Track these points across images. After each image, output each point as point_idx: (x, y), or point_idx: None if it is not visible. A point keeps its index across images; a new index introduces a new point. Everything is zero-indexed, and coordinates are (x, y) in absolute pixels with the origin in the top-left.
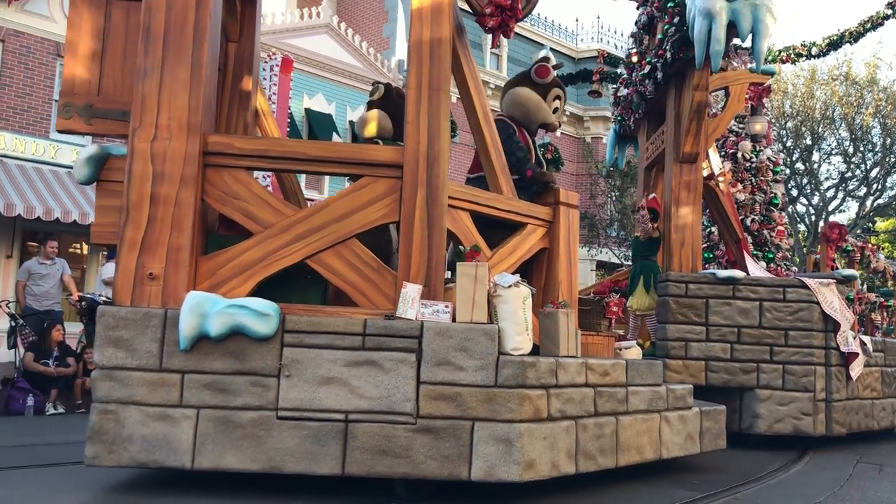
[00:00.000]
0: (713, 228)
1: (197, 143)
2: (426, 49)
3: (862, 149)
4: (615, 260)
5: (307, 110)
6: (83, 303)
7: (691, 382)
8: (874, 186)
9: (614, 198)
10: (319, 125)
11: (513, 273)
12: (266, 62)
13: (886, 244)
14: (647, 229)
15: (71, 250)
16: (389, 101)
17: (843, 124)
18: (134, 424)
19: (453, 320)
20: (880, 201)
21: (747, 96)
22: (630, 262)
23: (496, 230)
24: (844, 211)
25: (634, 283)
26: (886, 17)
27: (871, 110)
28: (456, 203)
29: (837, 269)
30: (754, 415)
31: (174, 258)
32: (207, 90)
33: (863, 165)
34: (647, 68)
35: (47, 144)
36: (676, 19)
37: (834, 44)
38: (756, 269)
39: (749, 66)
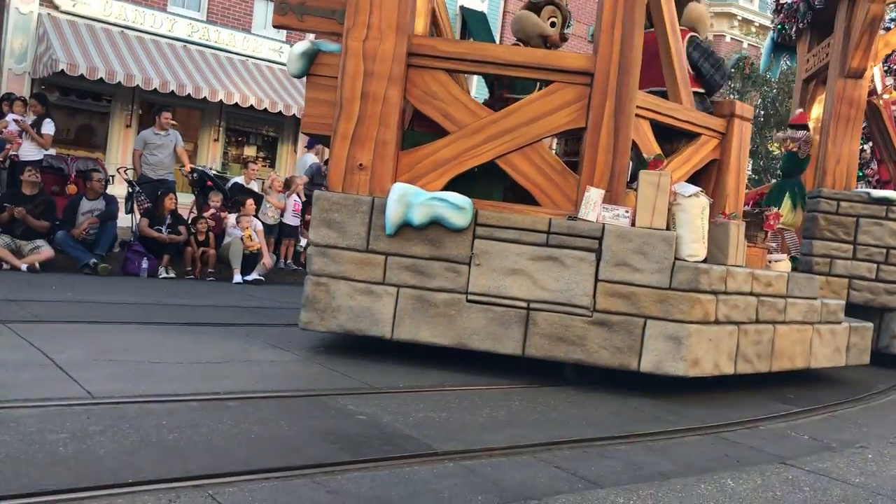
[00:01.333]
0: (865, 146)
1: (404, 44)
2: None
3: None
4: None
5: None
6: (195, 174)
7: (832, 298)
8: None
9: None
10: None
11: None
12: None
13: None
14: (806, 149)
15: (185, 124)
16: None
17: None
18: (342, 297)
19: (632, 224)
20: None
21: None
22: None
23: (663, 138)
24: None
25: (779, 198)
26: None
27: None
28: (639, 112)
29: None
30: (893, 335)
31: (381, 151)
32: None
33: None
34: None
35: (165, 17)
36: None
37: None
38: None
39: None
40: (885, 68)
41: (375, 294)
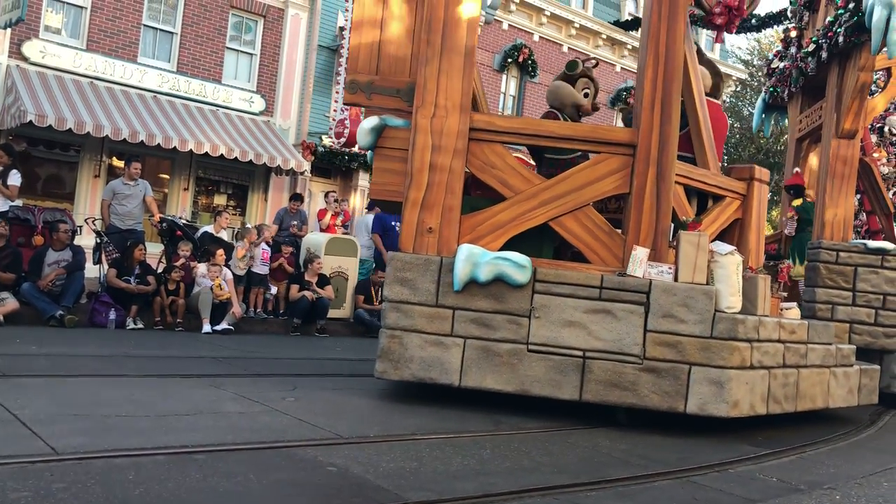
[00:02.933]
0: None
1: (467, 121)
2: (662, 45)
3: None
4: None
5: None
6: (164, 224)
7: (844, 343)
8: None
9: None
10: None
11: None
12: None
13: None
14: (791, 229)
15: (154, 174)
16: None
17: None
18: (414, 348)
19: (675, 280)
20: None
21: None
22: None
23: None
24: None
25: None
26: None
27: None
28: (676, 178)
29: None
30: (893, 375)
31: (447, 216)
32: (474, 75)
33: None
34: (812, 47)
35: (135, 68)
36: (851, 5)
37: None
38: None
39: None
40: (869, 126)
41: (444, 345)
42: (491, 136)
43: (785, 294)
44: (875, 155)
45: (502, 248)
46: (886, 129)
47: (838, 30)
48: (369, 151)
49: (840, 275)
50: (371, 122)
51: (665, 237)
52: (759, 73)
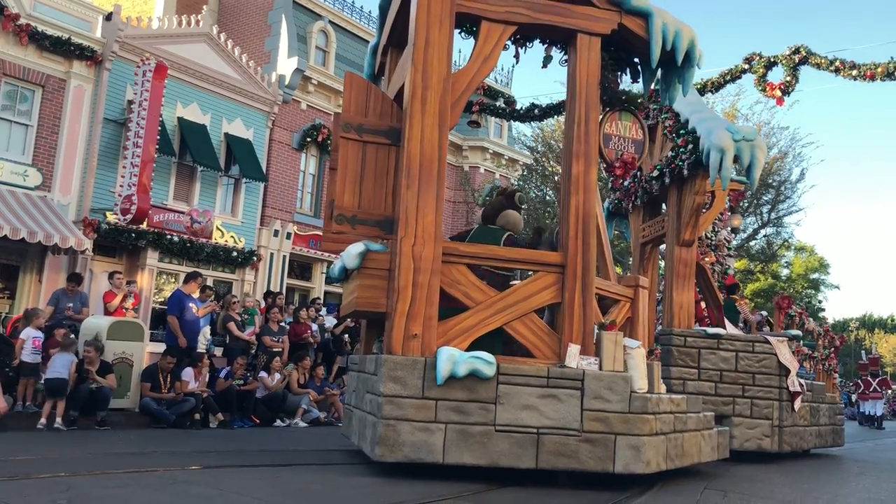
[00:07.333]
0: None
1: (440, 248)
2: (581, 191)
3: None
4: None
5: (180, 119)
6: None
7: (707, 411)
8: None
9: None
10: (192, 135)
11: None
12: (139, 67)
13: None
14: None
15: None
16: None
17: None
18: (405, 434)
19: (600, 369)
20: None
21: (728, 198)
22: None
23: None
24: None
25: None
26: (744, 72)
27: None
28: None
29: (783, 329)
30: (731, 436)
31: (428, 324)
32: (442, 210)
33: None
34: (657, 173)
35: None
36: (690, 146)
37: (698, 91)
38: (731, 328)
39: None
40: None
41: (430, 430)
42: (457, 259)
43: None
44: (706, 259)
45: (467, 348)
46: (703, 234)
47: (680, 163)
48: (338, 269)
49: (688, 356)
50: (357, 247)
51: (590, 336)
52: (543, 159)
